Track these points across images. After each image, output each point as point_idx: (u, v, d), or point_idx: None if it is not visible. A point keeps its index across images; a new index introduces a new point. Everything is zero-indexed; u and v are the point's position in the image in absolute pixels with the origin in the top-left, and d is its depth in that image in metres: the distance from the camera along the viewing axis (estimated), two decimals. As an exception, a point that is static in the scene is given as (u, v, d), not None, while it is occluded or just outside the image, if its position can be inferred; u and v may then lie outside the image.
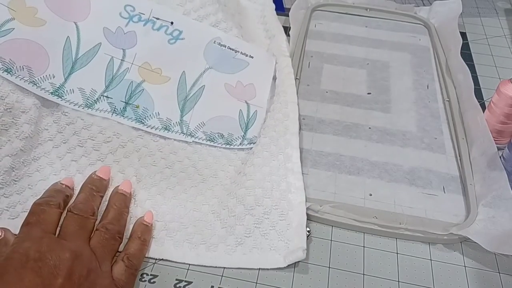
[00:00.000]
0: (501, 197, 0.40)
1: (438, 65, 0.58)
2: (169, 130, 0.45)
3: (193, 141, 0.45)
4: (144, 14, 0.48)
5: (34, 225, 0.34)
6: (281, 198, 0.40)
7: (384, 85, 0.55)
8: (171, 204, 0.41)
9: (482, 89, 0.55)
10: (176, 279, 0.36)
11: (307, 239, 0.39)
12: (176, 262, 0.37)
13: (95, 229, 0.36)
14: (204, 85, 0.48)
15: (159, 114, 0.46)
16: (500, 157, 0.44)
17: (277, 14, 0.65)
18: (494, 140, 0.47)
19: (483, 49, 0.62)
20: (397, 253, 0.39)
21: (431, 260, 0.39)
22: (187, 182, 0.42)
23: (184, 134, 0.46)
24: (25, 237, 0.33)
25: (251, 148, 0.45)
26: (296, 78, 0.53)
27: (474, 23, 0.67)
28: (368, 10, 0.66)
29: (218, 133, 0.46)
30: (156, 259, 0.38)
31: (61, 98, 0.44)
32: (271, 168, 0.42)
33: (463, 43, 0.58)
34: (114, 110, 0.45)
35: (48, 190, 0.38)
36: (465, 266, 0.38)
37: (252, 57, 0.51)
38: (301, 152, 0.46)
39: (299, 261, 0.38)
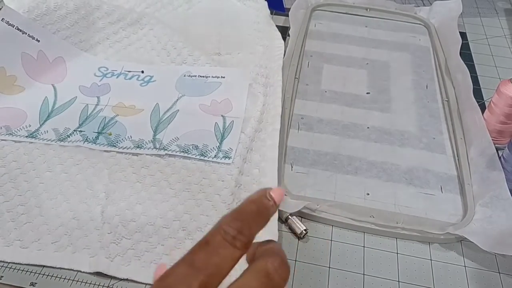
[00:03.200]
0: (498, 197, 0.40)
1: (437, 65, 0.58)
2: (141, 148, 0.45)
3: (166, 154, 0.44)
4: (116, 70, 0.53)
5: (198, 271, 0.21)
6: None
7: (384, 85, 0.55)
8: (140, 221, 0.39)
9: (482, 89, 0.55)
10: None
11: (303, 238, 0.39)
12: (142, 283, 0.36)
13: None
14: (178, 110, 0.49)
15: (131, 137, 0.46)
16: (500, 157, 0.44)
17: (278, 14, 0.65)
18: (494, 140, 0.47)
19: (483, 49, 0.62)
20: (397, 253, 0.39)
21: (431, 260, 0.39)
22: (158, 196, 0.41)
23: (157, 149, 0.45)
24: (177, 274, 0.21)
25: (227, 163, 0.43)
26: (295, 78, 0.54)
27: (474, 23, 0.67)
28: (368, 10, 0.66)
29: (192, 144, 0.45)
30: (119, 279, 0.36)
31: (35, 138, 0.45)
32: (243, 184, 0.41)
33: (463, 43, 0.58)
34: (86, 139, 0.45)
35: (248, 206, 0.23)
36: (465, 266, 0.38)
37: (223, 77, 0.51)
38: (299, 152, 0.46)
39: (299, 261, 0.38)
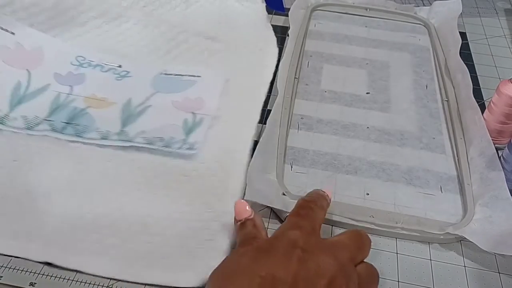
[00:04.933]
0: (498, 197, 0.40)
1: (437, 65, 0.58)
2: (106, 139, 0.45)
3: (130, 145, 0.44)
4: (93, 61, 0.52)
5: (303, 217, 0.34)
6: (213, 219, 0.39)
7: (383, 85, 0.55)
8: (95, 212, 0.39)
9: (482, 89, 0.55)
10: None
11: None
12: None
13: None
14: (151, 105, 0.49)
15: (98, 128, 0.46)
16: (500, 157, 0.44)
17: (278, 14, 0.65)
18: (494, 140, 0.47)
19: (483, 49, 0.62)
20: (397, 253, 0.39)
21: (430, 260, 0.39)
22: (119, 189, 0.41)
23: (122, 140, 0.44)
24: (295, 225, 0.33)
25: (191, 154, 0.43)
26: (295, 78, 0.54)
27: (474, 23, 0.67)
28: (368, 10, 0.66)
29: (158, 137, 0.45)
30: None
31: (3, 124, 0.45)
32: (208, 187, 0.41)
33: (463, 43, 0.58)
34: (53, 128, 0.45)
35: (312, 193, 0.38)
36: (465, 266, 0.38)
37: (199, 76, 0.52)
38: (299, 152, 0.46)
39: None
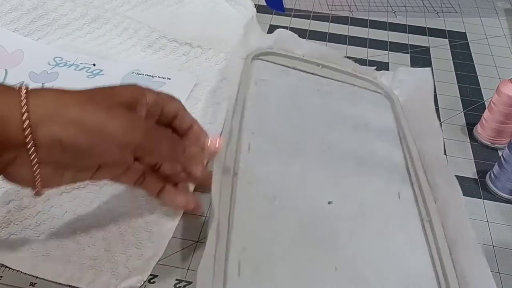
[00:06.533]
0: None
1: (408, 159, 0.43)
2: None
3: None
4: (69, 61, 0.54)
5: None
6: (145, 228, 0.38)
7: (347, 193, 0.40)
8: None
9: (482, 89, 0.55)
10: (176, 279, 0.36)
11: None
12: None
13: None
14: None
15: None
16: (500, 157, 0.44)
17: (277, 14, 0.65)
18: (494, 140, 0.46)
19: (483, 49, 0.62)
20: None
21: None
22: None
23: None
24: None
25: None
26: (234, 172, 0.40)
27: (474, 23, 0.67)
28: (321, 67, 0.53)
29: None
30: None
31: None
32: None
33: (462, 43, 0.58)
34: None
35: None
36: (465, 267, 0.38)
37: (169, 79, 0.52)
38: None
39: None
